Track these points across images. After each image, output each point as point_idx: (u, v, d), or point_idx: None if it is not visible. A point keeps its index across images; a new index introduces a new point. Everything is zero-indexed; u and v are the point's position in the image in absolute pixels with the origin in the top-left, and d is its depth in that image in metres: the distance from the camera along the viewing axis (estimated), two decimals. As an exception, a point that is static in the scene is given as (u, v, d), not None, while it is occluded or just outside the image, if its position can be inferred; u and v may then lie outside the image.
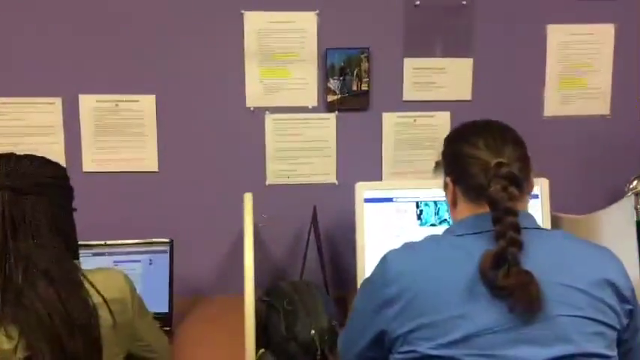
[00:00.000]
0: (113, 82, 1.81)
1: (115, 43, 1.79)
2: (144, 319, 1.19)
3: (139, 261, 1.69)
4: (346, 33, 1.85)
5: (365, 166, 1.91)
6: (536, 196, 1.80)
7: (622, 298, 1.08)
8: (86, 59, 1.79)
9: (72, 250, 1.14)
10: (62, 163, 1.75)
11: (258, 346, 1.40)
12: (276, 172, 1.89)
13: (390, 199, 1.71)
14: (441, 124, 1.92)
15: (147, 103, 1.82)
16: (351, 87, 1.87)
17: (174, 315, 1.67)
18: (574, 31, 1.93)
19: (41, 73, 1.78)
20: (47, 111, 1.79)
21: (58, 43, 1.78)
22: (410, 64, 1.89)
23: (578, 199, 1.89)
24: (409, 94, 1.90)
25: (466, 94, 1.92)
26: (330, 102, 1.87)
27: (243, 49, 1.82)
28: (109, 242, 1.69)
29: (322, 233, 1.82)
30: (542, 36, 1.93)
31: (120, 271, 1.17)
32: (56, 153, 1.78)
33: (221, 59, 1.83)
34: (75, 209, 1.22)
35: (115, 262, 1.68)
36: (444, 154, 1.22)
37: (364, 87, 1.87)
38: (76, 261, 1.12)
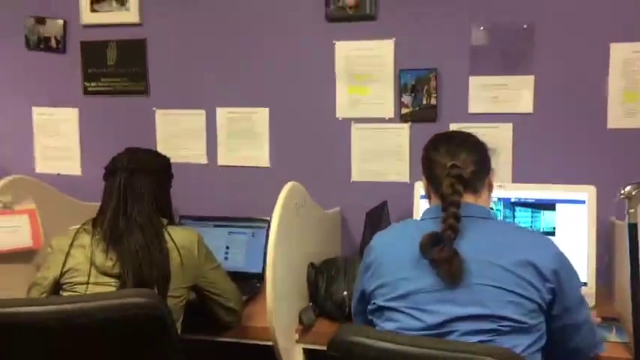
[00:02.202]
0: (239, 99, 2.40)
1: (241, 72, 2.38)
2: (209, 264, 1.72)
3: (244, 233, 2.25)
4: (417, 56, 2.20)
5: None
6: (583, 202, 1.96)
7: (543, 278, 1.33)
8: (221, 83, 2.41)
9: (164, 214, 1.72)
10: (205, 159, 2.45)
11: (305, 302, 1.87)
12: (360, 171, 2.31)
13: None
14: (505, 134, 2.16)
15: (262, 114, 2.38)
16: (422, 101, 2.21)
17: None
18: (637, 48, 2.02)
19: (193, 92, 2.45)
20: (195, 119, 2.45)
21: (204, 71, 2.42)
22: (475, 81, 2.17)
23: None
24: (474, 107, 2.18)
25: (528, 107, 2.13)
26: (403, 114, 2.24)
27: (334, 71, 2.29)
28: (227, 216, 2.29)
29: (393, 220, 2.18)
30: (604, 53, 2.06)
31: (194, 230, 1.73)
32: (200, 150, 2.44)
33: (317, 79, 2.31)
34: (171, 186, 1.80)
35: (229, 232, 2.27)
36: (421, 158, 1.55)
37: (432, 101, 2.20)
38: (163, 219, 1.69)
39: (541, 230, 1.98)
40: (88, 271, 1.57)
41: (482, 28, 2.14)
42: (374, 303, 1.44)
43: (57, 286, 1.62)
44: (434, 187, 1.47)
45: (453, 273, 1.33)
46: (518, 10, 2.12)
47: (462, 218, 1.37)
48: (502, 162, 2.17)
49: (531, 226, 1.99)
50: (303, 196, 1.86)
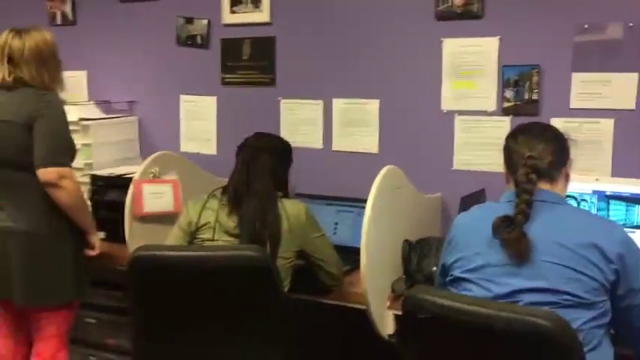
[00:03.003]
0: (353, 91, 2.65)
1: (356, 66, 2.63)
2: (314, 233, 2.00)
3: (351, 211, 2.50)
4: (521, 53, 2.32)
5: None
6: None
7: (608, 260, 1.46)
8: (338, 76, 2.68)
9: (280, 188, 2.01)
10: (321, 144, 2.73)
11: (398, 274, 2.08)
12: (461, 161, 2.47)
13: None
14: (606, 129, 2.22)
15: (374, 105, 2.61)
16: (523, 96, 2.32)
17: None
18: None
19: (313, 84, 2.74)
20: (314, 109, 2.74)
21: (323, 65, 2.70)
22: (577, 77, 2.24)
23: None
24: (576, 103, 2.25)
25: (630, 104, 2.17)
26: (505, 108, 2.36)
27: (441, 67, 2.46)
28: (337, 196, 2.56)
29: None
30: None
31: (303, 203, 2.01)
32: (317, 136, 2.73)
33: (424, 74, 2.50)
34: (290, 166, 2.11)
35: (338, 210, 2.54)
36: (503, 146, 1.70)
37: (534, 96, 2.30)
38: (279, 192, 1.99)
39: (635, 224, 2.03)
40: (213, 230, 1.91)
41: (586, 26, 2.20)
42: (452, 275, 1.63)
43: (189, 240, 1.98)
44: (511, 173, 1.63)
45: (520, 252, 1.49)
46: (623, 9, 2.16)
47: (536, 202, 1.53)
48: (602, 156, 2.24)
49: (625, 220, 2.05)
50: (400, 178, 2.08)
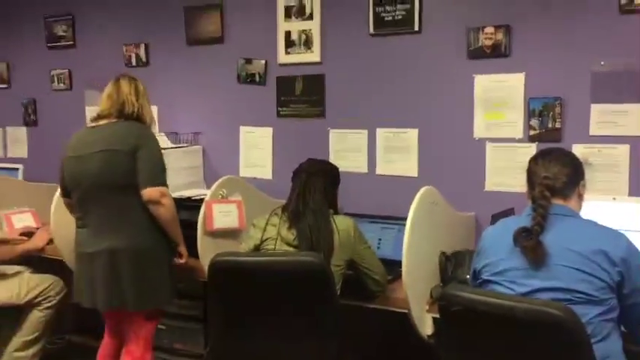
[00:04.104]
0: (394, 121, 2.98)
1: (396, 99, 2.96)
2: (361, 244, 2.31)
3: (393, 228, 2.80)
4: (544, 86, 2.61)
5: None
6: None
7: (612, 263, 1.72)
8: (380, 107, 3.01)
9: (331, 206, 2.34)
10: (366, 169, 3.05)
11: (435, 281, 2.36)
12: (492, 183, 2.75)
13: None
14: (622, 154, 2.48)
15: (413, 133, 2.93)
16: (547, 125, 2.60)
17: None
18: None
19: (358, 115, 3.07)
20: (359, 137, 3.07)
21: (367, 99, 3.04)
22: (596, 108, 2.51)
23: None
24: (595, 130, 2.52)
25: (643, 131, 2.44)
26: (531, 135, 2.65)
27: (473, 99, 2.77)
28: (380, 215, 2.86)
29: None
30: None
31: (351, 218, 2.32)
32: (362, 162, 3.05)
33: (459, 106, 2.81)
34: (338, 186, 2.43)
35: (381, 227, 2.84)
36: (526, 168, 1.98)
37: (557, 125, 2.58)
38: (330, 210, 2.31)
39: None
40: (275, 241, 2.24)
41: (602, 62, 2.48)
42: (481, 278, 1.92)
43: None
44: (530, 191, 1.91)
45: (537, 258, 1.77)
46: (636, 45, 2.43)
47: (551, 215, 1.81)
48: (619, 178, 2.49)
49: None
50: (435, 197, 2.37)
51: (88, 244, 2.47)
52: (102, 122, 2.50)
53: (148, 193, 2.40)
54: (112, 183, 2.42)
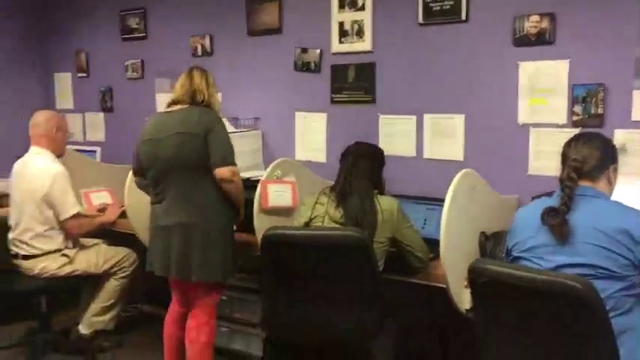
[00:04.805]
0: (442, 107, 3.10)
1: (443, 86, 3.09)
2: (404, 224, 2.46)
3: (437, 209, 2.93)
4: (588, 73, 2.67)
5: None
6: None
7: (635, 242, 1.82)
8: (428, 94, 3.14)
9: (376, 186, 2.50)
10: (414, 152, 3.18)
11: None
12: (535, 167, 2.84)
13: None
14: (665, 139, 2.52)
15: (459, 119, 3.05)
16: (590, 110, 2.67)
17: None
18: None
19: (407, 102, 3.22)
20: (408, 122, 3.21)
21: (415, 86, 3.18)
22: (638, 94, 2.56)
23: None
24: (636, 116, 2.57)
25: (687, 116, 2.47)
26: (574, 121, 2.72)
27: (517, 86, 2.86)
28: (426, 196, 3.01)
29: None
30: None
31: (395, 199, 2.48)
32: (411, 146, 3.19)
33: (504, 92, 2.91)
34: (383, 168, 2.59)
35: (427, 208, 2.98)
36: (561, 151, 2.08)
37: (600, 111, 2.65)
38: (375, 190, 2.48)
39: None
40: (323, 219, 2.44)
41: (646, 49, 2.53)
42: (512, 255, 2.05)
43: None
44: (561, 172, 2.02)
45: (563, 235, 1.89)
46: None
47: (577, 196, 1.92)
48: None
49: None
50: (475, 180, 2.50)
51: (162, 219, 2.73)
52: (176, 108, 2.76)
53: (221, 172, 2.64)
54: (185, 163, 2.67)
